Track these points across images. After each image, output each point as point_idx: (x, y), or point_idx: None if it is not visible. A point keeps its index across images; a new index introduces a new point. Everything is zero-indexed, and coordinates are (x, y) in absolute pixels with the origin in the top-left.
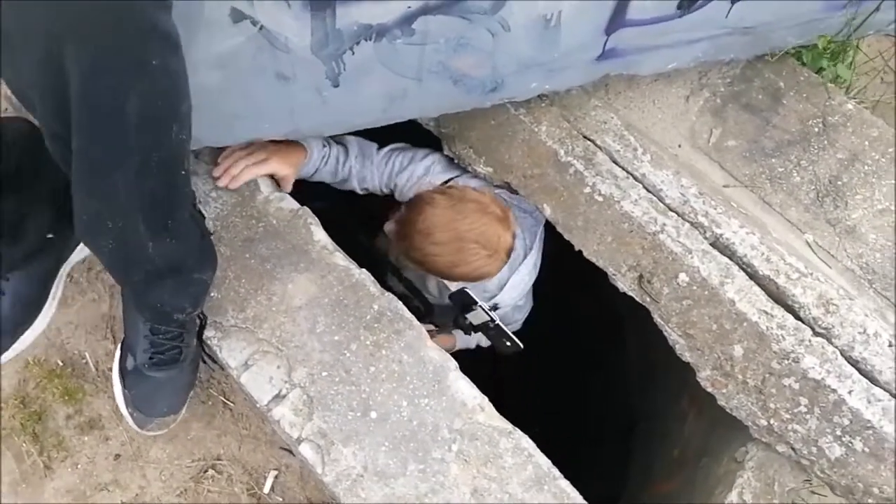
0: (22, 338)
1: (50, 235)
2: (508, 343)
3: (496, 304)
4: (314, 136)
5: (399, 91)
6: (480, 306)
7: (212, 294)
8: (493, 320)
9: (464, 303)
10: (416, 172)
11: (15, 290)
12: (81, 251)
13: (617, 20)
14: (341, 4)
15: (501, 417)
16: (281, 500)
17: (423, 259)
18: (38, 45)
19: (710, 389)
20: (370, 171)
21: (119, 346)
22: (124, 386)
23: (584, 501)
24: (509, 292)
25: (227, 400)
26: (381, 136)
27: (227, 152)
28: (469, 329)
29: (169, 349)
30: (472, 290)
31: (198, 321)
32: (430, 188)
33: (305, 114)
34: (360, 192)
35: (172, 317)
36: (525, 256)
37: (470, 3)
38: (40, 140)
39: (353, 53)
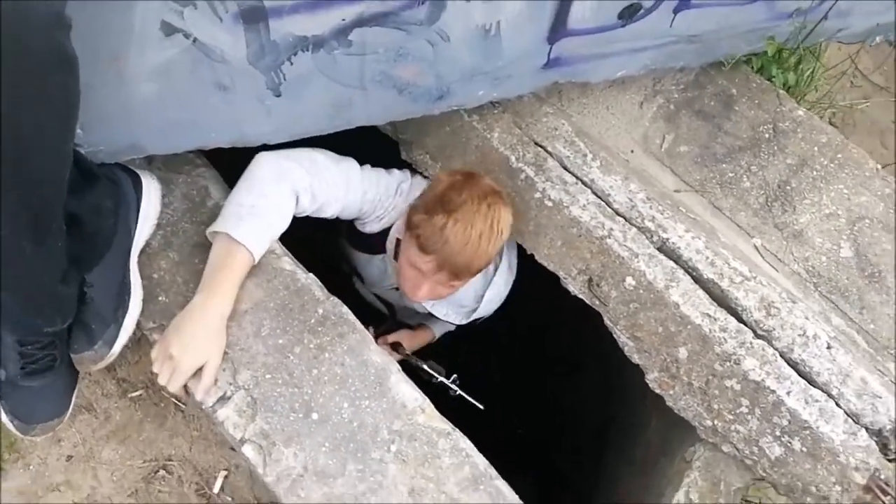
0: (125, 323)
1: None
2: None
3: (477, 319)
4: (261, 143)
5: (344, 100)
6: (442, 381)
7: (160, 298)
8: (454, 391)
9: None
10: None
11: (99, 283)
12: (140, 235)
13: (558, 30)
14: (274, 18)
15: (442, 418)
16: (230, 499)
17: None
18: None
19: (658, 391)
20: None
21: None
22: (0, 396)
23: (520, 501)
24: (487, 305)
25: (179, 402)
26: (338, 143)
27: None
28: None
29: (41, 358)
30: (449, 307)
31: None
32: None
33: (250, 122)
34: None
35: (41, 330)
36: (496, 268)
37: (404, 14)
38: None
39: (292, 64)
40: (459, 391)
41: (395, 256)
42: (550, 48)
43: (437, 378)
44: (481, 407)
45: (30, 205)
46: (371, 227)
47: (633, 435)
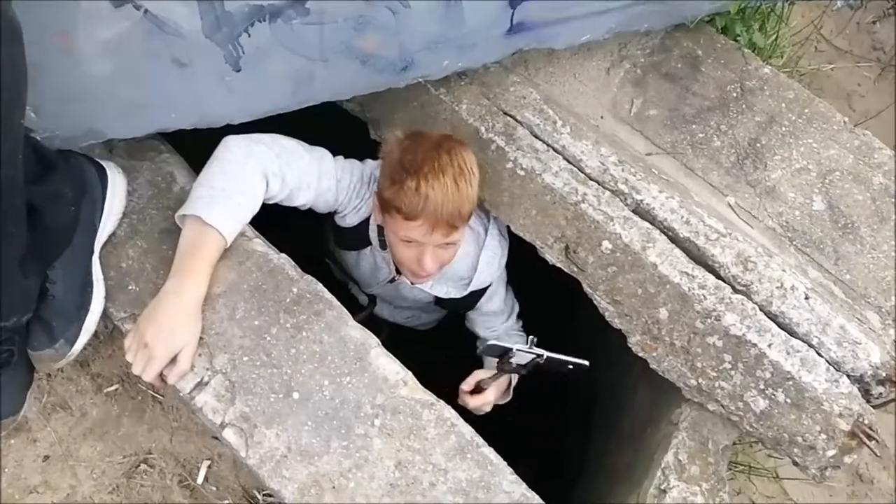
0: (87, 321)
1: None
2: (570, 366)
3: (475, 290)
4: (224, 123)
5: (306, 73)
6: (518, 349)
7: (130, 287)
8: (540, 356)
9: (499, 354)
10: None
11: (61, 278)
12: (104, 229)
13: None
14: None
15: (425, 390)
16: (215, 489)
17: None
18: None
19: (641, 354)
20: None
21: None
22: None
23: (507, 466)
24: (485, 270)
25: (156, 394)
26: (302, 124)
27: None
28: (520, 370)
29: None
30: (449, 283)
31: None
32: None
33: (211, 101)
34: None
35: (0, 325)
36: (486, 231)
37: None
38: None
39: (250, 36)
40: (547, 354)
41: (382, 245)
42: (513, 13)
43: (522, 349)
44: (586, 363)
45: None
46: (351, 220)
47: (619, 407)
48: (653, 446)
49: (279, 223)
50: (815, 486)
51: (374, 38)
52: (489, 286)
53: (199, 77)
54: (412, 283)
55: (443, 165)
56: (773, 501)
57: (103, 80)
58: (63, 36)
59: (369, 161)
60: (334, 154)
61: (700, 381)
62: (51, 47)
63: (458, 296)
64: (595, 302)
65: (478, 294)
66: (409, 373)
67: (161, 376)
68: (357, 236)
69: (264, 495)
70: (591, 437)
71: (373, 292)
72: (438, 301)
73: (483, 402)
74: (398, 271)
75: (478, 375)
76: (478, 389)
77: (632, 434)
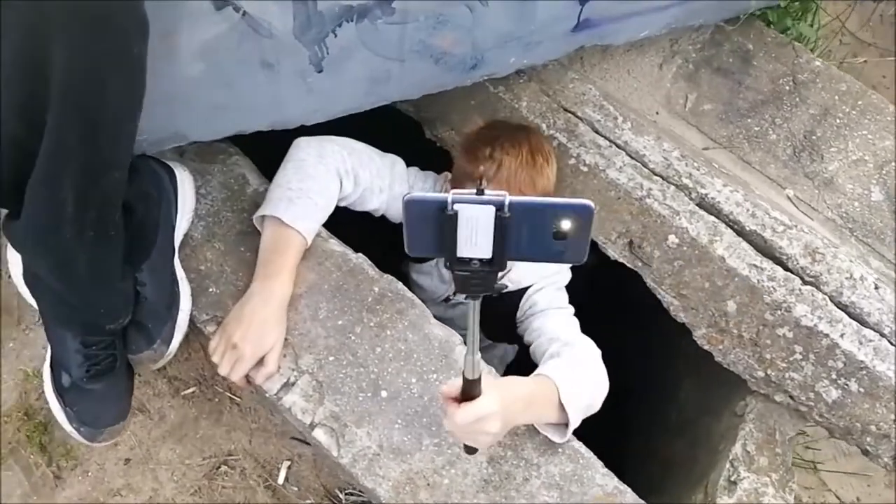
0: (179, 320)
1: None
2: (568, 219)
3: (512, 290)
4: (299, 124)
5: (382, 73)
6: (456, 197)
7: (210, 290)
8: (500, 205)
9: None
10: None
11: (150, 280)
12: (180, 228)
13: None
14: None
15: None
16: (296, 489)
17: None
18: (18, 37)
19: (706, 347)
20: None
21: (47, 365)
22: (64, 404)
23: (598, 460)
24: (526, 265)
25: (234, 395)
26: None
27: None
28: (487, 273)
29: (104, 359)
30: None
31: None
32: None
33: (290, 102)
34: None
35: (105, 328)
36: None
37: None
38: None
39: (336, 36)
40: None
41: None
42: (581, 9)
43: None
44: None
45: (99, 190)
46: None
47: (663, 399)
48: (714, 438)
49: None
50: (853, 478)
51: (450, 37)
52: (529, 286)
53: (283, 78)
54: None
55: (519, 140)
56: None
57: (194, 82)
58: (168, 38)
59: (437, 175)
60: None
61: (769, 372)
62: (155, 49)
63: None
64: (659, 296)
65: (516, 297)
66: (493, 368)
67: (247, 378)
68: None
69: (346, 494)
70: (627, 428)
71: (435, 313)
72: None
73: (475, 415)
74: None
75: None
76: (467, 395)
77: (680, 426)
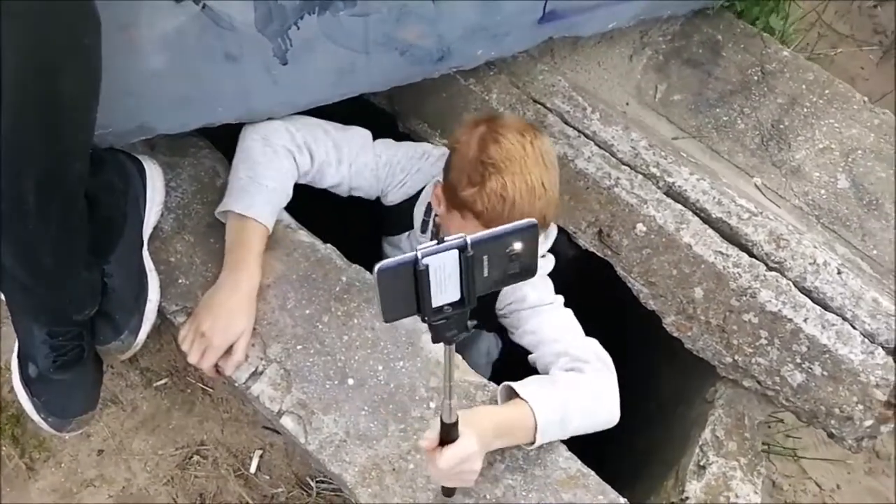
0: (147, 311)
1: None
2: (517, 244)
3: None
4: (266, 116)
5: (347, 65)
6: (421, 248)
7: (180, 281)
8: (463, 246)
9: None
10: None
11: (117, 271)
12: (149, 220)
13: None
14: None
15: (475, 373)
16: (268, 477)
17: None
18: None
19: (675, 334)
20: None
21: (14, 355)
22: (32, 395)
23: (569, 452)
24: None
25: (206, 386)
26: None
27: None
28: (456, 314)
29: (71, 349)
30: None
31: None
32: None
33: (257, 95)
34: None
35: (71, 319)
36: None
37: None
38: None
39: (299, 28)
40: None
41: (423, 227)
42: (546, 2)
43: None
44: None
45: (60, 180)
46: (394, 197)
47: (642, 391)
48: (687, 424)
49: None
50: (833, 465)
51: (415, 29)
52: None
53: (248, 71)
54: None
55: (529, 164)
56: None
57: (157, 74)
58: (126, 31)
59: (425, 143)
60: None
61: (736, 357)
62: (113, 42)
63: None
64: (629, 284)
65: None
66: (460, 356)
67: (216, 367)
68: (400, 216)
69: (317, 482)
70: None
71: None
72: None
73: (456, 458)
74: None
75: (435, 425)
76: (446, 439)
77: (660, 415)
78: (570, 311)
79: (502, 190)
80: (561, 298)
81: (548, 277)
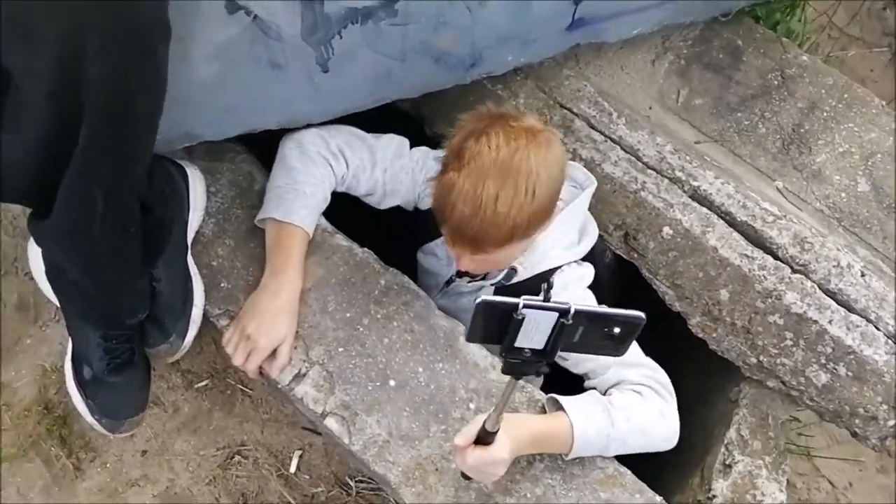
0: (193, 314)
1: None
2: (617, 327)
3: (524, 277)
4: (306, 122)
5: (384, 72)
6: (527, 302)
7: (222, 284)
8: (565, 312)
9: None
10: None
11: (165, 276)
12: (192, 225)
13: None
14: None
15: (530, 385)
16: (308, 477)
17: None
18: (56, 51)
19: (701, 335)
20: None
21: (68, 359)
22: (86, 396)
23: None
24: (544, 251)
25: (245, 387)
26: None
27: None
28: (540, 362)
29: (123, 352)
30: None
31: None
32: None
33: (298, 102)
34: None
35: (125, 323)
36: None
37: None
38: None
39: (341, 37)
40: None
41: None
42: (576, 8)
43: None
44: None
45: (126, 190)
46: (425, 203)
47: None
48: (709, 424)
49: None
50: (845, 463)
51: (450, 37)
52: (546, 272)
53: (291, 78)
54: (468, 279)
55: (491, 174)
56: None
57: (206, 84)
58: (181, 42)
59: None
60: None
61: (761, 358)
62: (170, 52)
63: (503, 280)
64: (654, 286)
65: (530, 287)
66: (495, 358)
67: (260, 370)
68: (429, 222)
69: (357, 481)
70: None
71: (440, 303)
72: None
73: (485, 461)
74: (459, 272)
75: (479, 421)
76: (482, 440)
77: (681, 413)
78: None
79: (451, 185)
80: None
81: (590, 291)
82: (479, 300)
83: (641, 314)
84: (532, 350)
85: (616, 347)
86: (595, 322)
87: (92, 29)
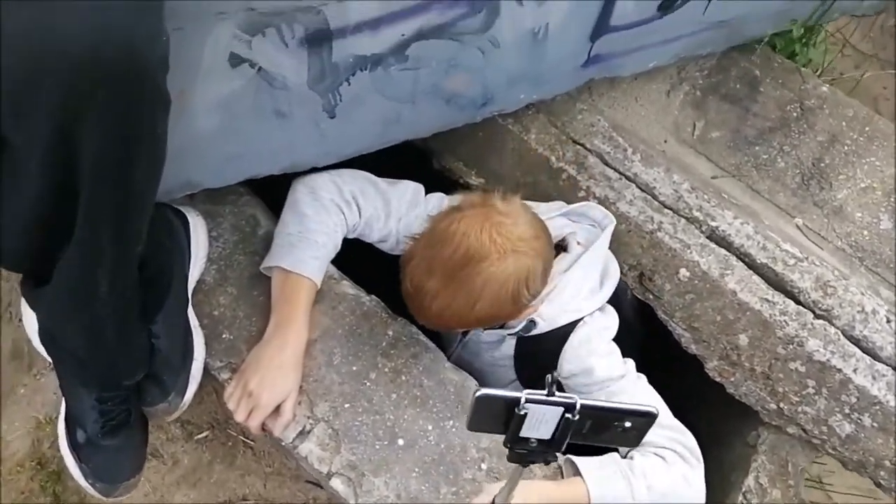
0: (193, 370)
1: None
2: (628, 423)
3: (546, 330)
4: (311, 166)
5: (393, 115)
6: (529, 397)
7: (224, 335)
8: (570, 407)
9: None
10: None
11: (164, 332)
12: (193, 276)
13: (601, 27)
14: (338, 39)
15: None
16: None
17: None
18: (53, 121)
19: (718, 379)
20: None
21: (62, 420)
22: (80, 460)
23: None
24: (562, 302)
25: (247, 439)
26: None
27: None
28: (546, 451)
29: (119, 413)
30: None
31: None
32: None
33: (303, 148)
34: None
35: (122, 384)
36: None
37: (461, 24)
38: None
39: (350, 84)
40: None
41: None
42: (591, 46)
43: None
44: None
45: (127, 260)
46: None
47: None
48: (726, 467)
49: None
50: (858, 491)
51: (462, 79)
52: (568, 325)
53: (296, 126)
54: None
55: (443, 261)
56: None
57: (209, 135)
58: (181, 95)
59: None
60: None
61: (781, 405)
62: None
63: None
64: (670, 328)
65: (551, 340)
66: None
67: (263, 426)
68: None
69: None
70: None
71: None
72: (517, 360)
73: None
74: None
75: (491, 491)
76: None
77: None
78: (644, 382)
79: (408, 257)
80: (632, 365)
81: (614, 343)
82: (477, 393)
83: (654, 409)
84: (539, 440)
85: (629, 442)
86: (604, 415)
87: (91, 99)
